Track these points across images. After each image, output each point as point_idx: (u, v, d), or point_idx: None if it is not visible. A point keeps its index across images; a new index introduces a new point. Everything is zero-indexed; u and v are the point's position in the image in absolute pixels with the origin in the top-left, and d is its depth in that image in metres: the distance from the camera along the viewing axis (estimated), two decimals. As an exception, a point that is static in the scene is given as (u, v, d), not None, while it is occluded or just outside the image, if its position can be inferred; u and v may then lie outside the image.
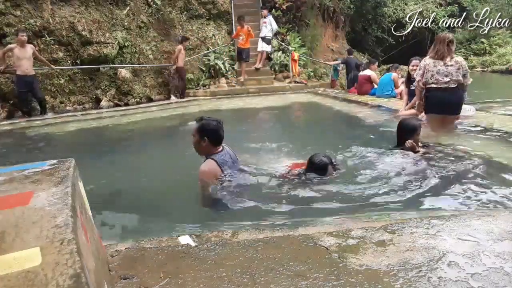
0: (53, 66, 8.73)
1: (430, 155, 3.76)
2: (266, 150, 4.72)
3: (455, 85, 4.50)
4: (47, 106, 8.69)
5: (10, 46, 7.78)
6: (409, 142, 3.60)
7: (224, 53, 12.14)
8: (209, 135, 2.93)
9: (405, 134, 3.68)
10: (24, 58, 7.74)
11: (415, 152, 3.65)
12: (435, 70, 4.56)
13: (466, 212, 2.37)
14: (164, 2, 11.36)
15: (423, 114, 5.22)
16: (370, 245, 1.70)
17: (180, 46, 10.02)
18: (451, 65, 4.49)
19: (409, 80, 6.13)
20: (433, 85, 4.63)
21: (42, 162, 1.52)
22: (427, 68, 4.66)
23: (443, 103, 4.61)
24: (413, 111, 5.71)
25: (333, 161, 3.24)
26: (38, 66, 8.51)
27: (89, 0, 9.79)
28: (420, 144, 3.72)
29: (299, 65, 12.24)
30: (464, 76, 4.49)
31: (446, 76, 4.50)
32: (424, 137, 4.77)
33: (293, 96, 10.59)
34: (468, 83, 4.58)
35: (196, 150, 3.05)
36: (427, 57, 4.81)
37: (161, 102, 10.13)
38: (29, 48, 7.91)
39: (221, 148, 3.05)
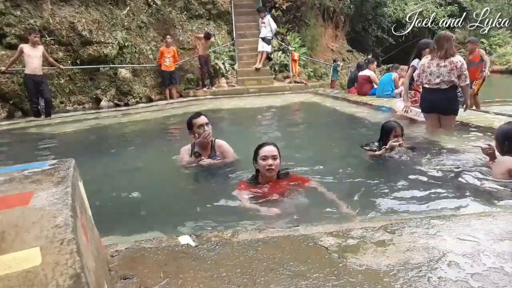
0: (61, 66, 8.72)
1: (429, 155, 3.77)
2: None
3: (447, 86, 4.46)
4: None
5: (22, 46, 7.77)
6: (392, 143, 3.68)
7: (224, 53, 12.14)
8: None
9: (383, 135, 3.77)
10: (34, 57, 7.75)
11: (392, 150, 3.69)
12: (428, 70, 4.54)
13: (466, 212, 2.37)
14: (164, 2, 11.36)
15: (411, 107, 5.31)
16: (370, 245, 1.70)
17: (201, 35, 10.83)
18: (444, 66, 4.43)
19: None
20: (426, 85, 4.66)
21: (42, 162, 1.52)
22: (422, 68, 4.64)
23: (432, 103, 4.62)
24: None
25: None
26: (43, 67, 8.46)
27: (89, 0, 9.78)
28: (401, 141, 3.72)
29: (299, 65, 12.24)
30: (459, 77, 4.41)
31: (438, 77, 4.47)
32: (420, 135, 4.78)
33: (293, 96, 10.59)
34: (463, 85, 4.46)
35: (210, 137, 3.54)
36: (425, 57, 4.78)
37: (161, 102, 10.14)
38: (40, 49, 7.92)
39: None
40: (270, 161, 2.76)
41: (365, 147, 3.92)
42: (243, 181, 3.00)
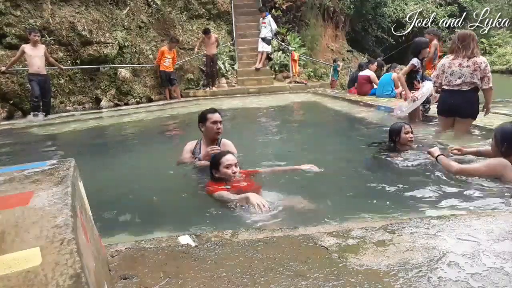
0: (62, 66, 8.70)
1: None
2: (263, 151, 4.71)
3: (468, 88, 4.19)
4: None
5: (23, 46, 7.73)
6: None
7: (224, 53, 12.14)
8: None
9: (394, 135, 3.77)
10: (36, 56, 7.70)
11: (407, 148, 3.73)
12: (449, 71, 4.28)
13: (466, 212, 2.37)
14: (164, 2, 11.36)
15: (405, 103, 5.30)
16: (370, 245, 1.70)
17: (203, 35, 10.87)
18: (467, 66, 4.16)
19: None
20: (445, 87, 4.38)
21: (42, 162, 1.52)
22: (442, 69, 4.39)
23: (452, 106, 4.34)
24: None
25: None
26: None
27: (89, 0, 9.78)
28: (411, 138, 3.73)
29: (299, 65, 12.25)
30: (481, 79, 4.14)
31: (459, 78, 4.20)
32: (433, 139, 4.75)
33: (293, 96, 10.60)
34: (485, 88, 4.19)
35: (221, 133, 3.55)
36: (446, 56, 4.54)
37: (161, 102, 10.14)
38: (41, 48, 7.89)
39: None
40: (234, 168, 2.95)
41: (377, 146, 3.94)
42: (209, 182, 3.00)
